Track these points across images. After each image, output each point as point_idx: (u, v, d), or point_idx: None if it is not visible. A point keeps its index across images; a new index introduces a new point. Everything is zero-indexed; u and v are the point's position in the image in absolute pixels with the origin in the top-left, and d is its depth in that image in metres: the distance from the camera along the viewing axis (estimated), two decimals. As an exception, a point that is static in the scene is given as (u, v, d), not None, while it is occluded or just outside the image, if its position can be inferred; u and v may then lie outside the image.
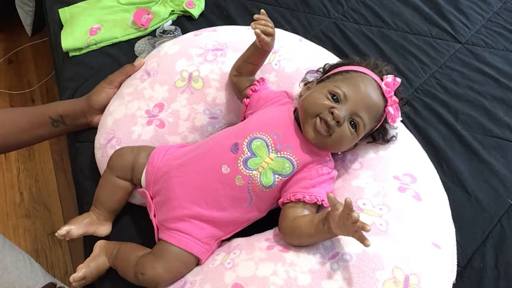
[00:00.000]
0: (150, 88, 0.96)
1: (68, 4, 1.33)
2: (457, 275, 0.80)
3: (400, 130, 0.91)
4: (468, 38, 1.32)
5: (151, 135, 0.93)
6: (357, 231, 0.63)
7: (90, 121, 1.02)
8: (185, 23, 1.29)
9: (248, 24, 0.88)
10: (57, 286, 0.96)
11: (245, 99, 0.91)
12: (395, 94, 0.83)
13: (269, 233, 0.81)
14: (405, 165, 0.86)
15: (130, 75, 1.01)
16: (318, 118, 0.78)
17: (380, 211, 0.78)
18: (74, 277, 0.82)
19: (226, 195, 0.79)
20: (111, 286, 0.86)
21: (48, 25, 1.41)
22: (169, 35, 1.21)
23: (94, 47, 1.22)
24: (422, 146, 0.94)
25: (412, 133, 0.98)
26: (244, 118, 0.92)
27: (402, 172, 0.84)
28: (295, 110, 0.86)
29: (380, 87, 0.82)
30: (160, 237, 0.81)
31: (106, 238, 0.88)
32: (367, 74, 0.83)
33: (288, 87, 0.96)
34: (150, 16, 1.26)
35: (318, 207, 0.80)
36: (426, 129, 1.08)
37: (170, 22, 1.28)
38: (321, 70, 0.93)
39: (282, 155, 0.79)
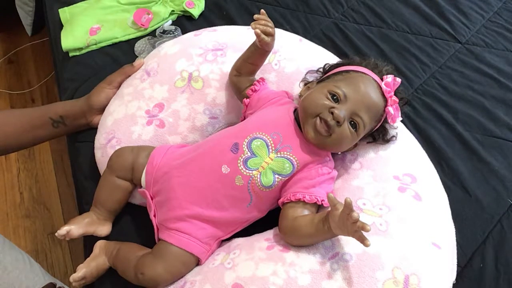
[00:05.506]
0: (150, 88, 0.96)
1: (68, 4, 1.32)
2: (457, 275, 0.80)
3: (400, 130, 0.91)
4: (468, 38, 1.31)
5: (151, 135, 0.93)
6: (357, 231, 0.63)
7: (90, 121, 1.02)
8: (185, 23, 1.29)
9: (248, 24, 0.87)
10: (57, 286, 0.96)
11: (245, 99, 0.91)
12: (395, 94, 0.83)
13: (269, 233, 0.81)
14: (405, 165, 0.86)
15: (129, 75, 1.01)
16: (318, 118, 0.78)
17: (380, 211, 0.78)
18: (74, 277, 0.82)
19: (226, 195, 0.79)
20: (111, 286, 0.86)
21: (48, 25, 1.41)
22: (169, 35, 1.21)
23: (94, 47, 1.22)
24: (422, 146, 0.94)
25: (412, 133, 0.98)
26: (244, 118, 0.92)
27: (402, 172, 0.84)
28: (295, 110, 0.86)
29: (380, 87, 0.82)
30: (160, 237, 0.81)
31: (106, 238, 0.88)
32: (367, 74, 0.83)
33: (288, 87, 0.96)
34: (150, 16, 1.26)
35: (318, 207, 0.80)
36: (426, 129, 1.08)
37: (170, 22, 1.28)
38: (321, 70, 0.93)
39: (282, 155, 0.79)
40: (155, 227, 0.83)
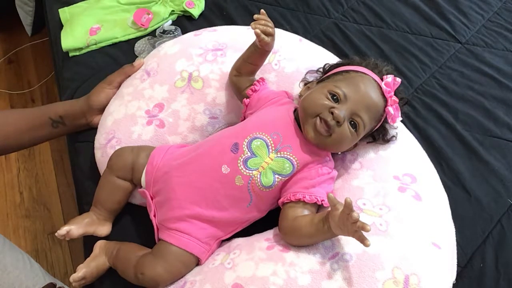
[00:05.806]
0: (150, 88, 0.96)
1: (68, 4, 1.33)
2: (457, 275, 0.80)
3: (400, 130, 0.91)
4: (468, 38, 1.32)
5: (151, 135, 0.93)
6: (357, 231, 0.63)
7: (90, 122, 1.02)
8: (185, 23, 1.29)
9: (248, 24, 0.87)
10: (57, 286, 0.96)
11: (245, 99, 0.91)
12: (395, 94, 0.83)
13: (269, 233, 0.81)
14: (405, 165, 0.86)
15: (129, 75, 1.01)
16: (318, 118, 0.78)
17: (380, 211, 0.78)
18: (74, 277, 0.82)
19: (226, 195, 0.79)
20: (111, 286, 0.86)
21: (48, 25, 1.41)
22: (169, 35, 1.21)
23: (94, 47, 1.22)
24: (422, 146, 0.94)
25: (412, 133, 0.97)
26: (244, 118, 0.92)
27: (402, 172, 0.84)
28: (295, 110, 0.86)
29: (380, 87, 0.82)
30: (160, 237, 0.81)
31: (106, 238, 0.88)
32: (367, 74, 0.83)
33: (288, 87, 0.96)
34: (150, 16, 1.26)
35: (318, 207, 0.80)
36: (426, 129, 1.08)
37: (170, 22, 1.28)
38: (321, 70, 0.93)
39: (282, 155, 0.79)
40: (155, 227, 0.83)
